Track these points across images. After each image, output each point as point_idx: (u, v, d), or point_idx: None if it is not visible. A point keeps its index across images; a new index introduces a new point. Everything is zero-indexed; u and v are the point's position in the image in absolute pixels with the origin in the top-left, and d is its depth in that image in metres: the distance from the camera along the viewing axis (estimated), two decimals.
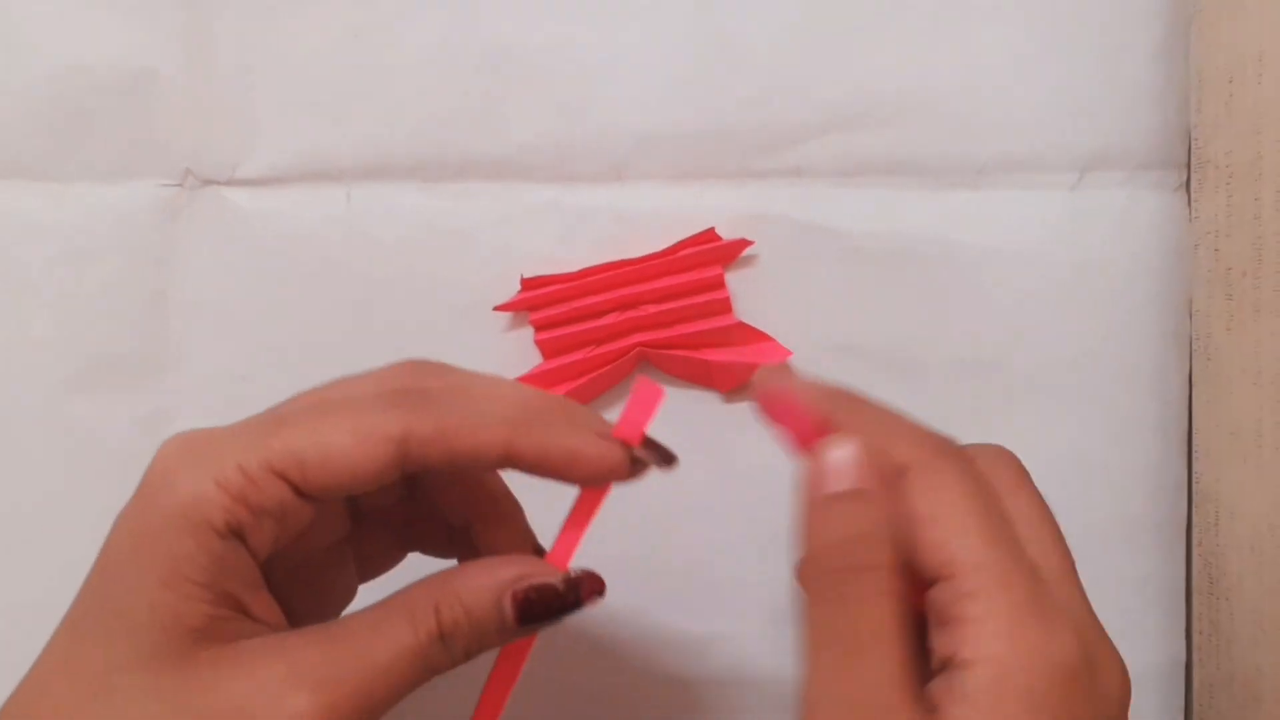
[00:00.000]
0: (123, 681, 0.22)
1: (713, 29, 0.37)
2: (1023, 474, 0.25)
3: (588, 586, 0.25)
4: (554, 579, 0.25)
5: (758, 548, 0.37)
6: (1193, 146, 0.35)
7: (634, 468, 0.26)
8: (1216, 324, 0.34)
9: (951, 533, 0.21)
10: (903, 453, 0.23)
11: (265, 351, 0.38)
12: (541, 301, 0.37)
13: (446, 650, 0.24)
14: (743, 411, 0.37)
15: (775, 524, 0.37)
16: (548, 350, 0.37)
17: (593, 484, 0.26)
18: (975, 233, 0.37)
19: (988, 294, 0.37)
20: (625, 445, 0.25)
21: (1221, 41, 0.34)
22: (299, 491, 0.23)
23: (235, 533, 0.23)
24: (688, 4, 0.37)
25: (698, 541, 0.37)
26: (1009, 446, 0.37)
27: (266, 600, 0.24)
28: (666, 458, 0.26)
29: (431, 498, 0.28)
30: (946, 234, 0.37)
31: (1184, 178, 0.36)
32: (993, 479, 0.23)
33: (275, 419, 0.24)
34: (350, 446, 0.23)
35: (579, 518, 0.26)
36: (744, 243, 0.37)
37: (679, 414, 0.37)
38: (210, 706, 0.22)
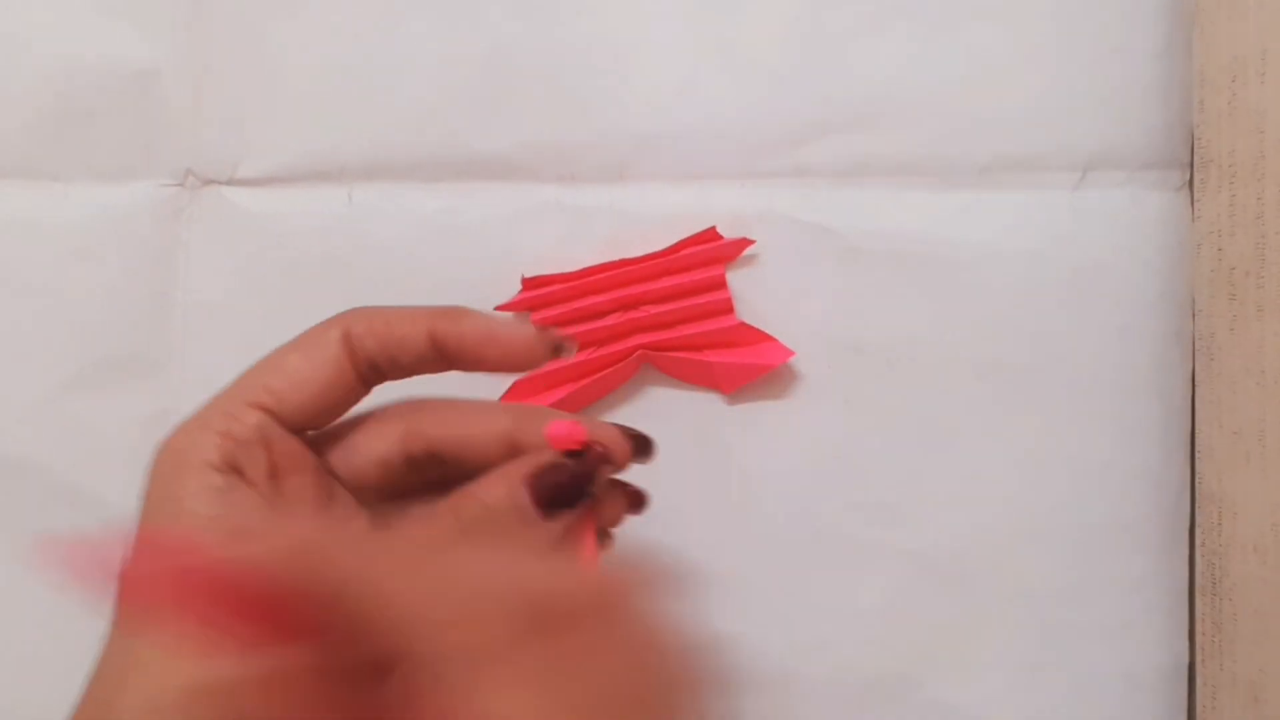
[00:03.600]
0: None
1: (714, 30, 0.37)
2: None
3: (593, 454, 0.26)
4: (558, 458, 0.26)
5: (758, 548, 0.37)
6: (1195, 146, 0.35)
7: (554, 354, 0.27)
8: (1219, 324, 0.34)
9: None
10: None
11: (266, 350, 0.38)
12: (543, 301, 0.37)
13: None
14: (745, 412, 0.37)
15: (776, 524, 0.37)
16: None
17: (511, 368, 0.27)
18: (976, 233, 0.37)
19: (988, 294, 0.37)
20: (545, 333, 0.27)
21: (1224, 41, 0.34)
22: (277, 417, 0.26)
23: (232, 467, 0.25)
24: (689, 4, 0.37)
25: (698, 541, 0.37)
26: (1010, 446, 0.37)
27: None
28: (642, 446, 0.28)
29: None
30: (947, 234, 0.37)
31: (1186, 177, 0.36)
32: None
33: (242, 374, 0.27)
34: (302, 358, 0.27)
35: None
36: (745, 242, 0.37)
37: (682, 415, 0.37)
38: None
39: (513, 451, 0.27)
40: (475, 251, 0.38)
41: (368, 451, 0.28)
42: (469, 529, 0.25)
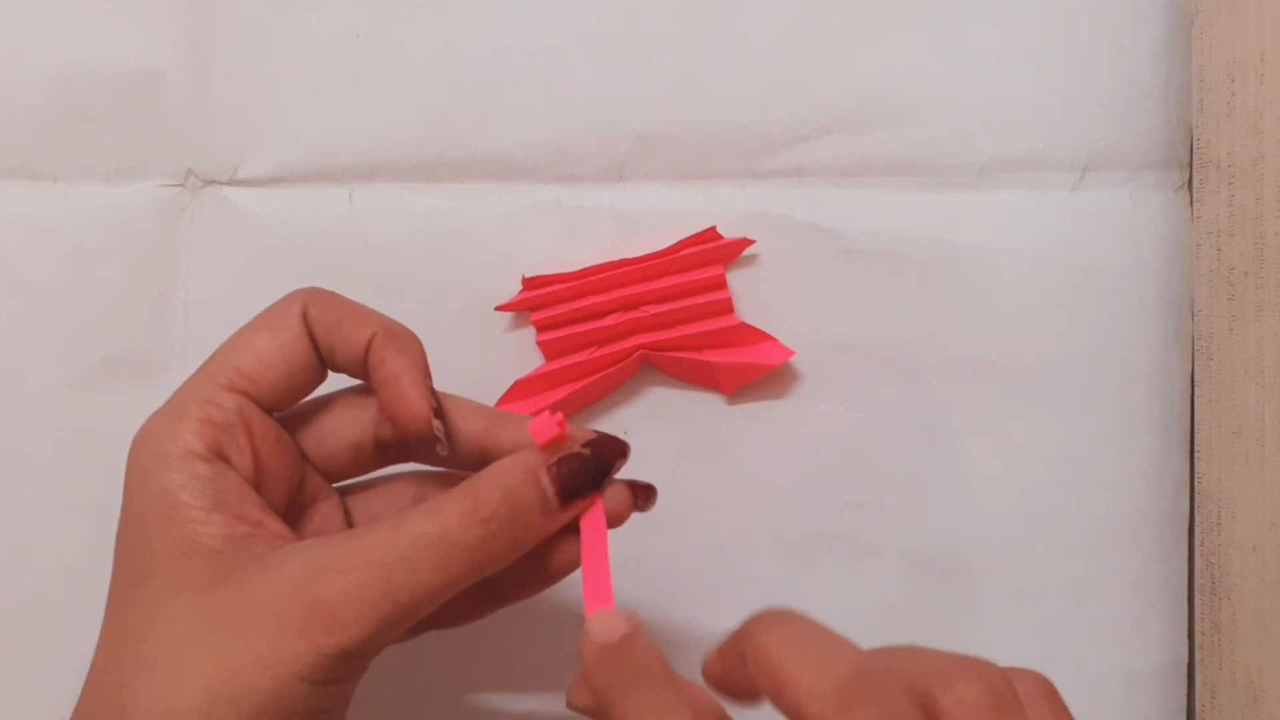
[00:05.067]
0: (161, 614, 0.23)
1: (714, 29, 0.37)
2: (1058, 702, 0.23)
3: (612, 447, 0.27)
4: (578, 449, 0.26)
5: (759, 548, 0.37)
6: (1194, 146, 0.35)
7: (434, 438, 0.27)
8: (1218, 324, 0.34)
9: None
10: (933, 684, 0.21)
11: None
12: (543, 301, 0.37)
13: (491, 537, 0.25)
14: (745, 412, 0.37)
15: (776, 524, 0.37)
16: (549, 351, 0.37)
17: (391, 418, 0.27)
18: (975, 233, 0.37)
19: (988, 294, 0.37)
20: (432, 405, 0.27)
21: (1223, 41, 0.34)
22: (253, 399, 0.26)
23: (217, 454, 0.25)
24: (689, 4, 0.37)
25: (699, 541, 0.37)
26: (1009, 446, 0.37)
27: (280, 523, 0.26)
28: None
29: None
30: (947, 234, 0.37)
31: (1186, 177, 0.36)
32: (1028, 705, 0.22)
33: (210, 359, 0.27)
34: (268, 337, 0.26)
35: (593, 555, 0.27)
36: (745, 242, 0.37)
37: (682, 415, 0.37)
38: (241, 611, 0.23)
39: (481, 451, 0.27)
40: (475, 251, 0.38)
41: (340, 435, 0.28)
42: (489, 517, 0.25)
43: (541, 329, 0.37)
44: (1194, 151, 0.35)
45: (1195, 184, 0.35)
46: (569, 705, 0.25)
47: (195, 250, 0.38)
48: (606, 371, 0.37)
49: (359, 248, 0.38)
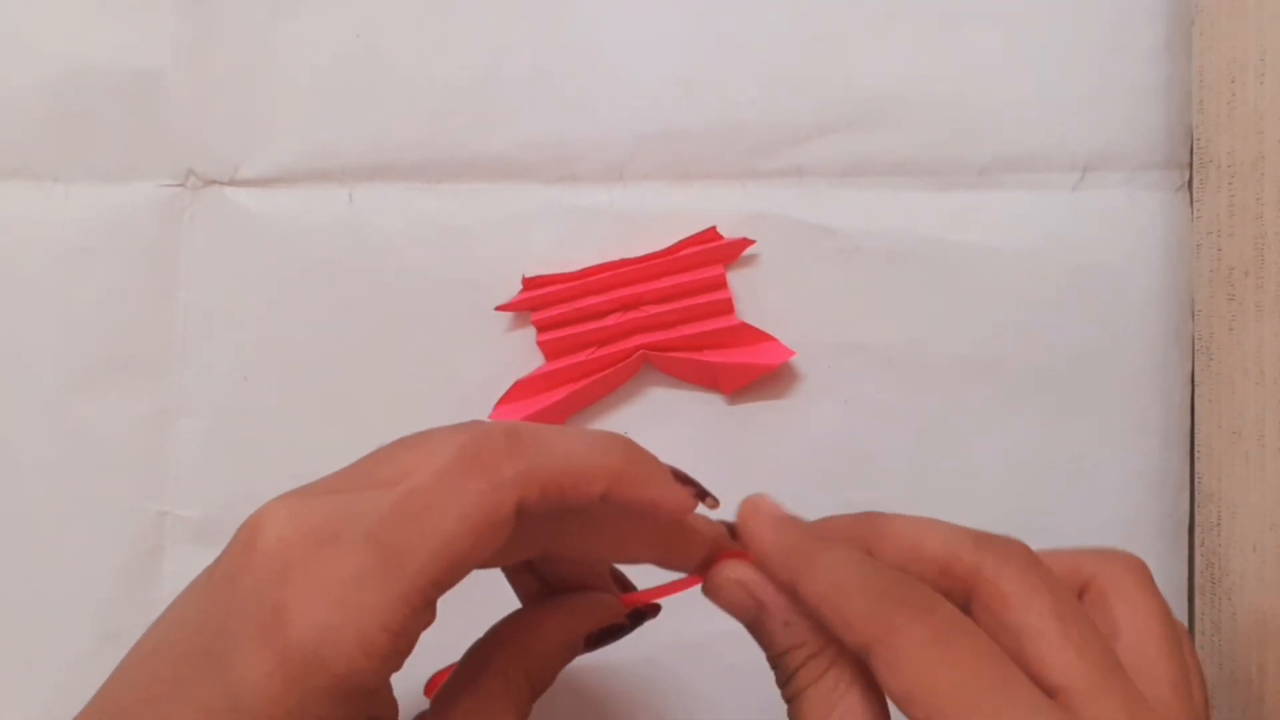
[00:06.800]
0: None
1: (714, 29, 0.37)
2: (1144, 577, 0.25)
3: (649, 616, 0.28)
4: (620, 619, 0.27)
5: None
6: (1195, 146, 0.35)
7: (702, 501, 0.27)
8: (1218, 324, 0.34)
9: (1053, 651, 0.22)
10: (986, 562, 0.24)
11: (268, 351, 0.38)
12: (543, 301, 0.37)
13: (535, 697, 0.26)
14: (745, 412, 0.37)
15: None
16: (550, 351, 0.37)
17: (664, 520, 0.26)
18: (975, 233, 0.37)
19: (988, 294, 0.37)
20: (691, 496, 0.26)
21: (1223, 41, 0.34)
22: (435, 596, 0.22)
23: (387, 677, 0.22)
24: (689, 4, 0.37)
25: None
26: (1010, 446, 0.37)
27: (388, 698, 0.25)
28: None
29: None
30: (947, 234, 0.37)
31: (1186, 177, 0.36)
32: (1106, 582, 0.24)
33: (390, 544, 0.21)
34: (473, 543, 0.21)
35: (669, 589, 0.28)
36: (745, 242, 0.37)
37: (682, 415, 0.37)
38: None
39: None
40: (475, 251, 0.38)
41: (493, 564, 0.25)
42: (538, 690, 0.26)
43: (541, 329, 0.37)
44: (1194, 151, 0.35)
45: (1195, 184, 0.35)
46: (712, 593, 0.26)
47: (195, 250, 0.38)
48: (606, 371, 0.37)
49: (359, 248, 0.38)
